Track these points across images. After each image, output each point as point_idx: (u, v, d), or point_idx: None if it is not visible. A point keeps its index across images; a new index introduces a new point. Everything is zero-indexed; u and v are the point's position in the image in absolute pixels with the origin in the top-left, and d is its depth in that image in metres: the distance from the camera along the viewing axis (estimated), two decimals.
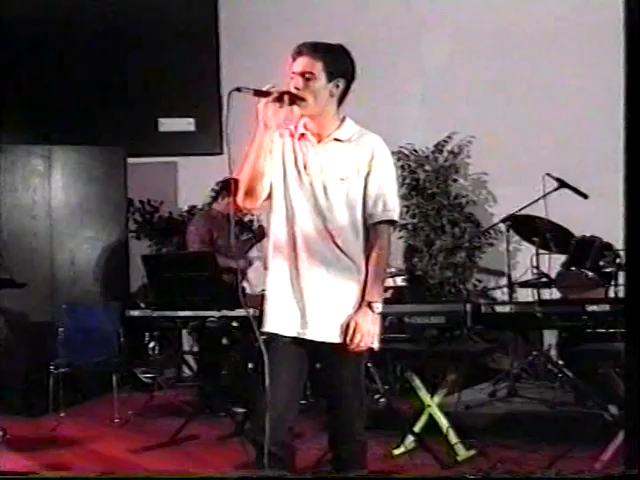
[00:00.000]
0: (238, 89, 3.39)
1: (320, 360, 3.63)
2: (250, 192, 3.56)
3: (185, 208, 9.26)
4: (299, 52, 3.51)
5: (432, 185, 8.29)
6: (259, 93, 3.43)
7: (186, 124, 9.35)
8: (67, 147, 8.41)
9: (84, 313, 7.35)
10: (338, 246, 3.51)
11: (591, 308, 5.13)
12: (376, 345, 3.54)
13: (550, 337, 7.35)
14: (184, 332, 8.54)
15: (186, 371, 8.44)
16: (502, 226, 7.23)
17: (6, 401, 6.25)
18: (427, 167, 8.38)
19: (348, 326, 3.47)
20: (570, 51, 7.95)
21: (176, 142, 9.36)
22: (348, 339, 3.46)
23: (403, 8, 8.74)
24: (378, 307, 3.51)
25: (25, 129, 9.20)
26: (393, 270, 6.96)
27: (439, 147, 8.36)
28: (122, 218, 8.69)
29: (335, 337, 3.50)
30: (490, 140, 8.13)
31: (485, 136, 8.18)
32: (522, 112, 8.11)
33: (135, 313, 6.87)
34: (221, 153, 3.57)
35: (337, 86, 3.54)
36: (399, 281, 6.69)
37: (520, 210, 6.71)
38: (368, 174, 3.54)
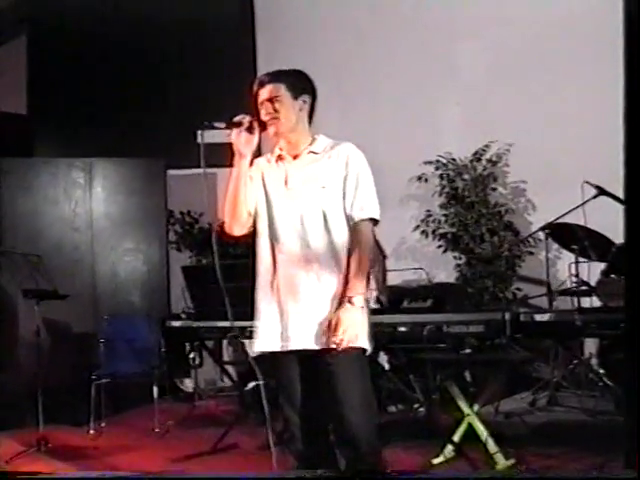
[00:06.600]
0: (211, 125, 3.57)
1: (317, 372, 3.60)
2: (236, 220, 3.72)
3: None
4: (261, 83, 3.70)
5: (471, 194, 8.25)
6: (230, 125, 3.62)
7: (226, 135, 9.37)
8: (107, 159, 8.50)
9: (125, 324, 7.42)
10: (318, 271, 3.57)
11: None
12: (364, 342, 3.54)
13: (591, 345, 7.29)
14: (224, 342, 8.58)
15: (226, 381, 8.47)
16: (541, 234, 7.19)
17: (48, 411, 6.30)
18: (466, 176, 8.34)
19: (330, 323, 3.48)
20: (610, 60, 7.86)
21: (216, 154, 9.39)
22: (331, 335, 3.45)
23: (440, 17, 8.75)
24: (359, 301, 3.49)
25: (66, 142, 9.32)
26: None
27: (477, 156, 8.31)
28: (162, 229, 8.75)
29: (316, 343, 3.52)
30: (528, 148, 8.09)
31: (523, 144, 8.14)
32: (560, 119, 8.06)
33: (176, 324, 6.92)
34: None
35: (304, 101, 3.71)
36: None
37: (559, 218, 6.65)
38: (345, 178, 3.61)
